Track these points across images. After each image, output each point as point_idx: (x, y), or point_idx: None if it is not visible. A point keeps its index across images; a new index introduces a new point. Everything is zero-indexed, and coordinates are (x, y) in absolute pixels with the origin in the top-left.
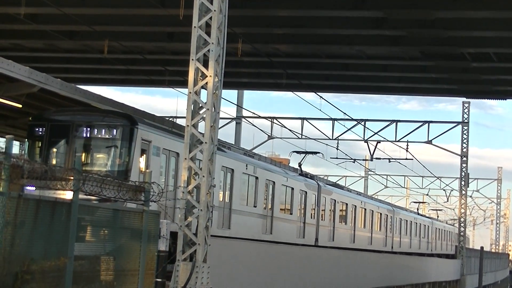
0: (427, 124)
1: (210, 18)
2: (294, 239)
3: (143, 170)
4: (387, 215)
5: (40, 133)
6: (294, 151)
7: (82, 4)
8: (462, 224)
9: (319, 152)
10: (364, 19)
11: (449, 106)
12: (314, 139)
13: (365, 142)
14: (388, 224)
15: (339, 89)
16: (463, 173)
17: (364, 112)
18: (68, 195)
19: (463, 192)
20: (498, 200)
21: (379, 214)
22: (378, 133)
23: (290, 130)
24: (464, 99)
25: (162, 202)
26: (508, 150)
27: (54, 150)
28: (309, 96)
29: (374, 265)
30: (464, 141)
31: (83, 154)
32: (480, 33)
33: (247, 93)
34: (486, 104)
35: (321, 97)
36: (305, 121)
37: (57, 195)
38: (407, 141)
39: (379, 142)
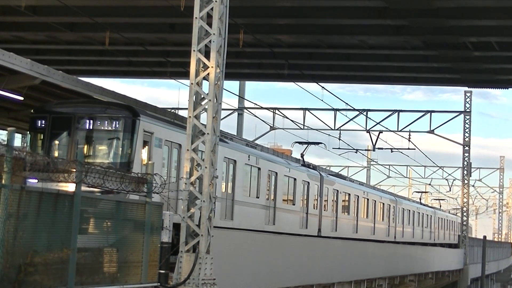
0: (429, 113)
1: (212, 8)
2: (297, 230)
3: (146, 161)
4: (389, 205)
5: (42, 125)
6: (296, 142)
7: None
8: (464, 214)
9: (321, 143)
10: (366, 9)
11: (453, 96)
12: (316, 130)
13: (367, 132)
14: (391, 214)
15: (341, 79)
16: (465, 163)
17: (368, 103)
18: (70, 187)
19: (466, 181)
20: (501, 189)
21: (381, 204)
22: (380, 123)
23: (292, 121)
24: (467, 88)
25: (165, 193)
26: (511, 139)
27: (56, 142)
28: (312, 86)
29: (377, 255)
30: (466, 130)
31: (85, 146)
32: (482, 22)
33: (250, 84)
34: (490, 94)
35: (323, 87)
36: (307, 111)
37: (59, 187)
38: (409, 131)
39: (381, 132)
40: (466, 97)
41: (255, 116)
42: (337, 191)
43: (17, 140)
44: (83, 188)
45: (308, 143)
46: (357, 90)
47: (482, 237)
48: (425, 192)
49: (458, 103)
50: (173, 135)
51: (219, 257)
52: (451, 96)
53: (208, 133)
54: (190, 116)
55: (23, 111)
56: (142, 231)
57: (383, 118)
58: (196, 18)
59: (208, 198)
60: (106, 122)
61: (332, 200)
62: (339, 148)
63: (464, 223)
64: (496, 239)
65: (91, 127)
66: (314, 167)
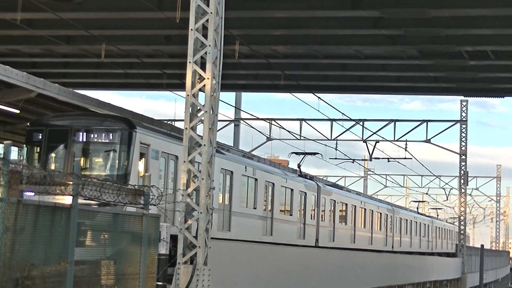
0: (425, 123)
1: (207, 20)
2: (295, 240)
3: (142, 173)
4: (387, 215)
5: (39, 138)
6: (293, 152)
7: (79, 9)
8: (462, 223)
9: (318, 153)
10: (361, 19)
11: (451, 106)
12: (313, 140)
13: (363, 142)
14: (388, 224)
15: (338, 89)
16: (462, 172)
17: (366, 113)
18: (67, 200)
19: (463, 190)
20: (498, 198)
21: (379, 214)
22: (377, 133)
23: (288, 132)
24: (463, 97)
25: (162, 205)
26: (509, 148)
27: (53, 155)
28: (308, 97)
29: (374, 265)
30: (463, 139)
31: (82, 159)
32: (477, 31)
33: (247, 95)
34: (488, 103)
35: (319, 97)
36: (303, 122)
37: (56, 200)
38: (406, 141)
39: (378, 142)
40: (462, 106)
41: (252, 127)
42: (334, 201)
43: (14, 153)
44: (80, 200)
45: (305, 154)
46: (356, 100)
47: (479, 246)
48: (422, 201)
49: (456, 112)
50: (169, 147)
51: (216, 268)
52: (449, 105)
53: (204, 145)
54: (186, 128)
55: (20, 124)
56: (140, 243)
57: (379, 128)
58: (191, 30)
59: (205, 209)
60: (103, 134)
61: (330, 210)
62: (335, 158)
63: (462, 232)
64: (493, 248)
65: (87, 140)
66: (311, 178)
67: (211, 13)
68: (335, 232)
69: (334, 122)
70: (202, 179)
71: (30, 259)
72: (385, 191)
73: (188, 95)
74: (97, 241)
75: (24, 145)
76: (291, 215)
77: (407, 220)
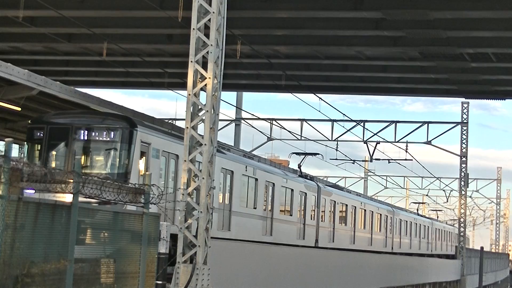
0: (426, 124)
1: (209, 20)
2: (294, 241)
3: (143, 172)
4: (387, 216)
5: (40, 136)
6: (293, 153)
7: (81, 7)
8: (462, 225)
9: (318, 154)
10: (362, 20)
11: (453, 108)
12: (314, 141)
13: (364, 143)
14: (388, 225)
15: (339, 90)
16: (462, 174)
17: (368, 114)
18: (68, 198)
19: (463, 192)
20: (498, 200)
21: (379, 215)
22: (378, 134)
23: (289, 132)
24: (464, 99)
25: (162, 204)
26: (510, 151)
27: (54, 153)
28: (310, 97)
29: (374, 266)
30: (464, 141)
31: (83, 157)
32: (479, 33)
33: (248, 95)
34: (490, 105)
35: (320, 98)
36: (304, 122)
37: (56, 198)
38: (407, 142)
39: (379, 143)
40: (463, 108)
41: (253, 127)
42: (335, 201)
43: (15, 151)
44: (80, 199)
45: (305, 154)
46: (358, 101)
47: (479, 248)
48: (423, 203)
49: (458, 114)
50: (170, 146)
51: (216, 268)
52: (451, 107)
53: (205, 144)
54: (187, 127)
55: (21, 121)
56: (139, 242)
57: (380, 129)
58: (193, 29)
59: (205, 209)
60: (104, 132)
61: (330, 211)
62: (336, 159)
63: (461, 234)
64: (493, 250)
65: (88, 138)
66: (312, 178)
67: (213, 12)
68: (335, 232)
69: (335, 122)
70: (203, 178)
71: (30, 256)
72: (385, 192)
73: (189, 95)
74: (97, 239)
75: (25, 143)
76: (291, 215)
77: (407, 221)
